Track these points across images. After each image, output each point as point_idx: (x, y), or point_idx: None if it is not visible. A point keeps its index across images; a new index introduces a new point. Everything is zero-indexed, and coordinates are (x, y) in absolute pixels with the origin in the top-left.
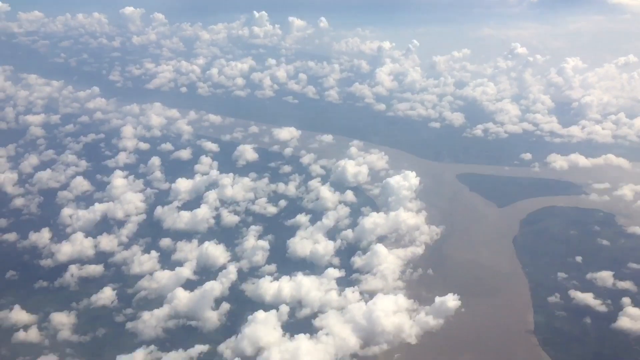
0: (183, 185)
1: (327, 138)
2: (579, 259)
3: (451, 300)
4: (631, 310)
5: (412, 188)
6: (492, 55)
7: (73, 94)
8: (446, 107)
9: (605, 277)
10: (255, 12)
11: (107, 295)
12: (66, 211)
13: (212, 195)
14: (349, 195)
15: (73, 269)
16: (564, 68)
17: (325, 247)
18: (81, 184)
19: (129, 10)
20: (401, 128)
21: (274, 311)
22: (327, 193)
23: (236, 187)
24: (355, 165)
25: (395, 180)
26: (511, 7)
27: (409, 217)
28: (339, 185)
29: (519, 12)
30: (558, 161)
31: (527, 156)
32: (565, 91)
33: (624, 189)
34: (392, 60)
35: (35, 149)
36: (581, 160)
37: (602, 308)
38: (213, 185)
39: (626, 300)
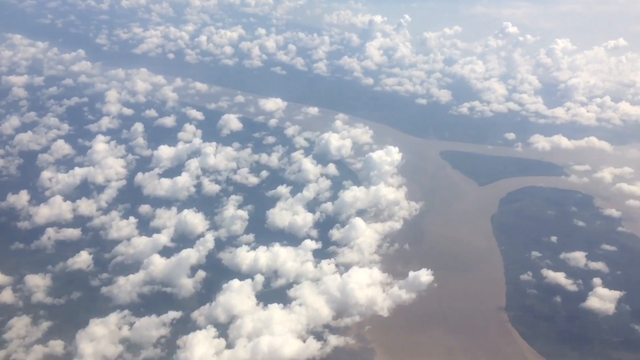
0: (165, 152)
1: (313, 110)
2: (554, 238)
3: (424, 275)
4: (601, 290)
5: (394, 163)
6: (483, 33)
7: (58, 56)
8: (434, 84)
9: (578, 257)
10: None
11: (83, 259)
12: (46, 174)
13: (194, 164)
14: (332, 169)
15: (50, 232)
16: (553, 49)
17: (304, 219)
18: (62, 148)
19: None
20: (388, 103)
21: (249, 280)
22: (309, 165)
23: (219, 156)
24: (339, 139)
25: (377, 155)
26: None
27: (389, 192)
28: (322, 158)
29: None
30: (541, 142)
31: (511, 136)
32: (553, 72)
33: (604, 171)
34: (383, 35)
35: (17, 110)
36: (564, 141)
37: (573, 288)
38: (196, 153)
39: (597, 280)
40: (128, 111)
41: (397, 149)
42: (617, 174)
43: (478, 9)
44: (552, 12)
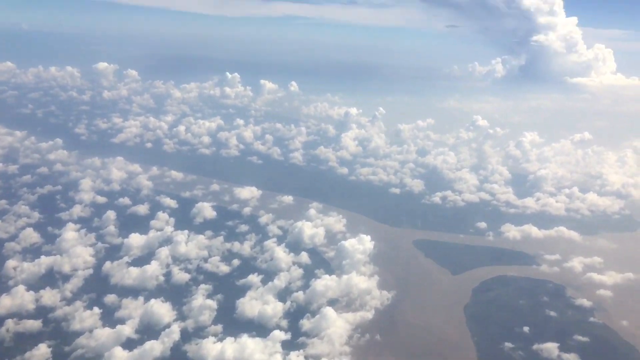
0: (136, 240)
1: (287, 199)
2: (526, 329)
3: None
4: None
5: (366, 252)
6: (455, 126)
7: (35, 145)
8: (407, 173)
9: (551, 348)
10: (228, 73)
11: (42, 352)
12: (10, 263)
13: (164, 252)
14: (304, 257)
15: (9, 323)
16: (522, 142)
17: (274, 309)
18: (30, 236)
19: (102, 65)
20: (362, 192)
21: None
22: (281, 254)
23: (190, 245)
24: (312, 227)
25: (350, 244)
26: (476, 81)
27: (361, 280)
28: (295, 247)
29: (484, 87)
30: (512, 231)
31: (482, 225)
32: (523, 164)
33: (574, 261)
34: (358, 126)
35: None
36: (534, 231)
37: None
38: (167, 241)
39: None
40: (101, 199)
41: (369, 237)
42: (587, 264)
43: (450, 103)
44: (521, 107)
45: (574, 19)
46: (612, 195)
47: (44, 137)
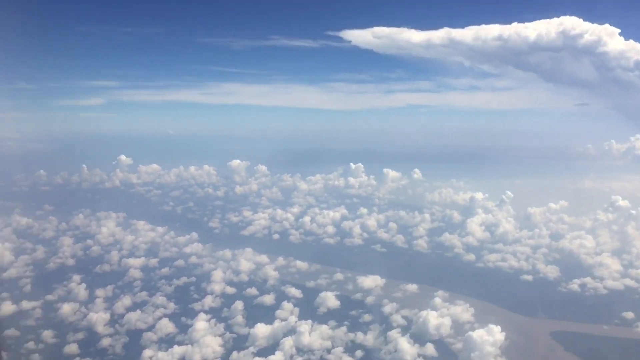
0: (261, 330)
1: (412, 287)
2: None
3: None
4: None
5: (497, 344)
6: (591, 207)
7: (174, 239)
8: (540, 259)
9: None
10: (352, 164)
11: None
12: (147, 352)
13: (288, 342)
14: (430, 349)
15: None
16: None
17: None
18: (166, 326)
19: (235, 162)
20: (491, 280)
21: None
22: (405, 345)
23: (314, 335)
24: (438, 317)
25: (478, 335)
26: (614, 160)
27: None
28: (420, 338)
29: (623, 165)
30: None
31: (630, 315)
32: None
33: None
34: (485, 211)
35: (131, 290)
36: None
37: None
38: (291, 331)
39: None
40: (231, 290)
41: (499, 327)
42: None
43: (586, 184)
44: None
45: None
46: None
47: (182, 231)
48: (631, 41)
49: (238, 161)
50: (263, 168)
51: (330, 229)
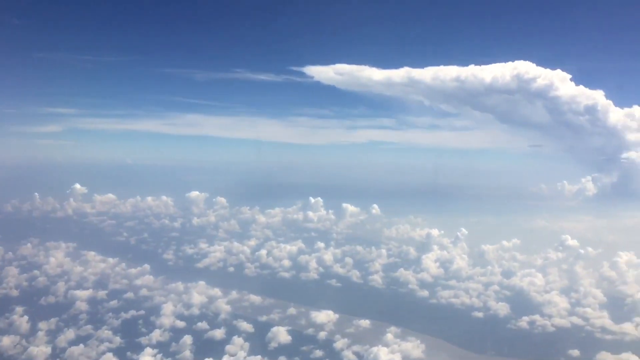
0: None
1: (365, 323)
2: None
3: None
4: None
5: None
6: (543, 246)
7: (125, 271)
8: (491, 296)
9: None
10: (311, 198)
11: None
12: None
13: None
14: None
15: None
16: (617, 262)
17: None
18: None
19: (194, 194)
20: (443, 316)
21: None
22: None
23: None
24: (389, 353)
25: None
26: (566, 200)
27: None
28: None
29: (575, 205)
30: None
31: (575, 352)
32: (619, 286)
33: None
34: (440, 248)
35: (76, 323)
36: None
37: None
38: None
39: None
40: (181, 324)
41: None
42: None
43: (539, 223)
44: (615, 226)
45: None
46: None
47: (134, 263)
48: (581, 86)
49: (197, 192)
50: (222, 200)
51: (286, 263)
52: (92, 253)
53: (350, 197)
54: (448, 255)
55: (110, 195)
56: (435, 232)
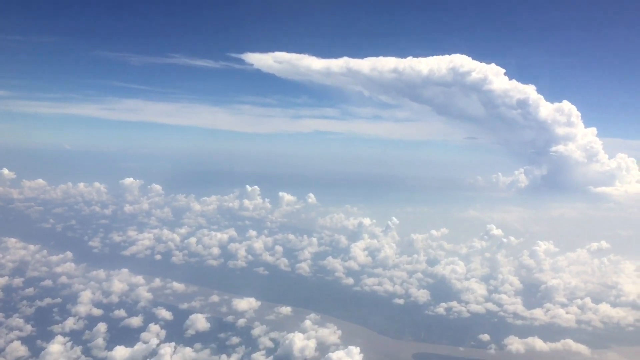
0: (120, 353)
1: (286, 310)
2: None
3: None
4: None
5: None
6: (470, 235)
7: (45, 258)
8: (414, 283)
9: None
10: (248, 186)
11: None
12: None
13: None
14: None
15: None
16: (536, 251)
17: None
18: (17, 350)
19: (128, 180)
20: (364, 303)
21: None
22: None
23: (175, 357)
24: (304, 339)
25: (337, 356)
26: (500, 192)
27: None
28: (284, 359)
29: (508, 197)
30: (515, 344)
31: (485, 337)
32: (536, 274)
33: None
34: (371, 236)
35: None
36: (539, 344)
37: None
38: (152, 354)
39: None
40: (97, 311)
41: (358, 349)
42: None
43: (470, 213)
44: (542, 217)
45: (594, 130)
46: (628, 306)
47: (57, 250)
48: (514, 81)
49: (131, 179)
50: (157, 187)
51: (216, 251)
52: (13, 240)
53: (290, 186)
54: (378, 244)
55: (40, 181)
56: (367, 221)
